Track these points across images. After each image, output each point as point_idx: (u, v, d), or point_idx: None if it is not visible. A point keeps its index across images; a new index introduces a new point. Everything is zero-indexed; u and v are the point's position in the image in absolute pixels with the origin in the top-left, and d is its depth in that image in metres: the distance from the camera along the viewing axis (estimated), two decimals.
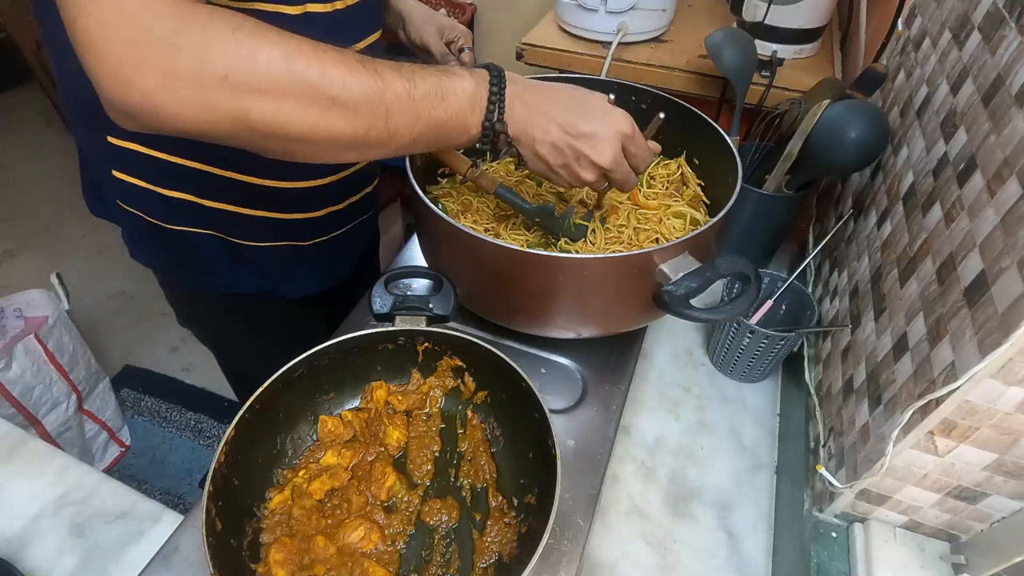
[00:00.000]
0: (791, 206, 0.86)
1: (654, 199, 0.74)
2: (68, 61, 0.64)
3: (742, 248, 0.90)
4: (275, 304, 0.85)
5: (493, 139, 0.53)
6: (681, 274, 0.57)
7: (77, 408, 1.47)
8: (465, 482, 0.61)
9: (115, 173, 0.68)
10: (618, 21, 1.08)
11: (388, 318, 0.64)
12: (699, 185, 0.77)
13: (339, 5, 0.63)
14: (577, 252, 0.66)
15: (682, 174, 0.77)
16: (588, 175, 0.56)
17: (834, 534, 0.58)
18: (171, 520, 0.69)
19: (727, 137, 0.70)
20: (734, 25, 1.07)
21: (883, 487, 0.52)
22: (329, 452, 0.61)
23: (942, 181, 0.54)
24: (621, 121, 0.56)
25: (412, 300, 0.64)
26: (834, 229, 0.79)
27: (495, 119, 0.52)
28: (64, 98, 0.68)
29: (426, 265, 0.76)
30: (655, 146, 0.62)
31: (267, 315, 0.88)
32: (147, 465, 1.63)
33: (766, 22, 1.01)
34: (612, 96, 0.59)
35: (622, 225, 0.70)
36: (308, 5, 0.60)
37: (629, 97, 0.77)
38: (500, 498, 0.59)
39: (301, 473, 0.59)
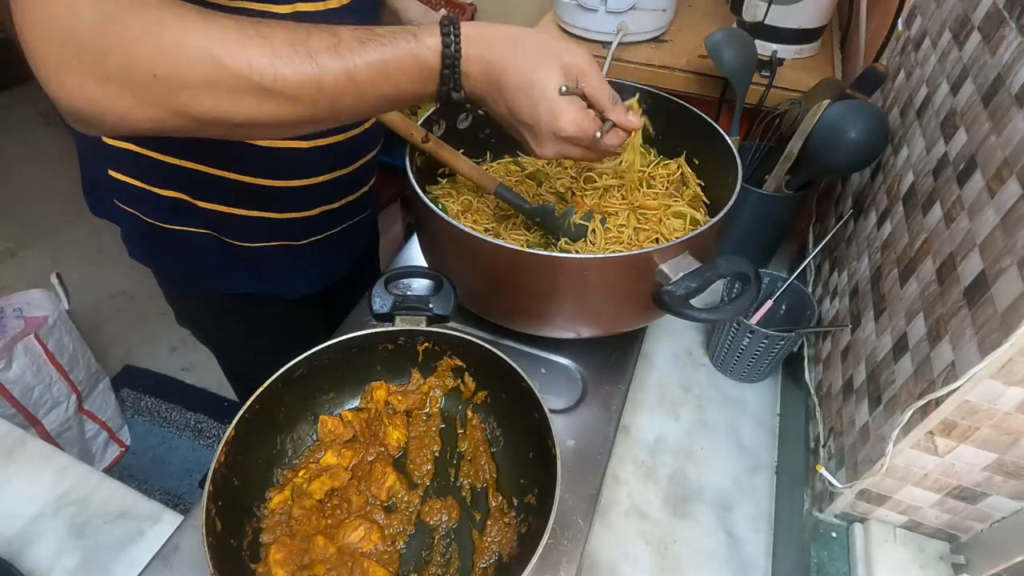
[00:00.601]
0: (791, 206, 0.86)
1: (654, 199, 0.74)
2: None
3: (742, 248, 0.90)
4: (273, 304, 0.85)
5: (456, 101, 0.50)
6: (681, 274, 0.57)
7: (77, 408, 1.47)
8: (465, 482, 0.61)
9: (111, 173, 0.69)
10: (618, 21, 1.08)
11: (388, 318, 0.64)
12: (699, 185, 0.77)
13: (332, 4, 0.62)
14: (577, 252, 0.66)
15: (682, 174, 0.77)
16: (547, 153, 0.54)
17: (834, 534, 0.58)
18: (171, 520, 0.69)
19: (727, 137, 0.70)
20: (734, 25, 1.07)
21: (883, 487, 0.52)
22: (329, 452, 0.61)
23: (942, 181, 0.54)
24: (559, 116, 0.51)
25: (412, 300, 0.64)
26: (834, 229, 0.79)
27: (451, 86, 0.49)
28: None
29: (426, 265, 0.76)
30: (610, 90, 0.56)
31: (265, 315, 0.88)
32: (147, 465, 1.63)
33: (766, 22, 1.01)
34: (603, 70, 0.56)
35: (622, 225, 0.70)
36: (298, 4, 0.59)
37: (630, 97, 0.77)
38: (500, 498, 0.59)
39: (301, 473, 0.59)
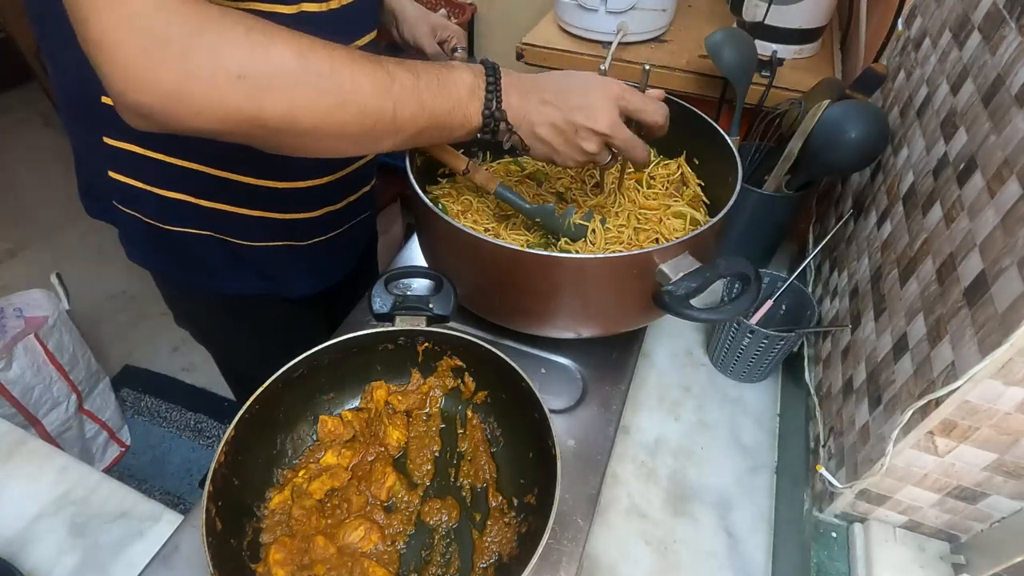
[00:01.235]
0: (791, 206, 0.86)
1: (654, 199, 0.74)
2: (62, 62, 0.64)
3: (742, 248, 0.90)
4: (273, 304, 0.85)
5: (494, 127, 0.55)
6: (681, 274, 0.57)
7: (77, 408, 1.47)
8: (465, 482, 0.61)
9: (111, 174, 0.68)
10: (618, 21, 1.08)
11: (388, 318, 0.64)
12: (699, 185, 0.77)
13: (334, 4, 0.63)
14: (577, 252, 0.66)
15: (682, 174, 0.77)
16: (590, 145, 0.57)
17: (834, 534, 0.58)
18: (171, 520, 0.69)
19: (727, 137, 0.70)
20: (734, 25, 1.07)
21: (883, 487, 0.52)
22: (329, 452, 0.61)
23: (942, 181, 0.54)
24: (610, 85, 0.57)
25: (412, 300, 0.64)
26: (834, 229, 0.79)
27: (494, 107, 0.54)
28: (59, 99, 0.68)
29: (426, 265, 0.76)
30: (658, 92, 0.62)
31: (265, 315, 0.87)
32: (147, 465, 1.63)
33: (766, 22, 1.01)
34: (603, 67, 0.59)
35: (622, 225, 0.70)
36: (303, 4, 0.60)
37: None
38: (500, 498, 0.59)
39: (301, 473, 0.59)
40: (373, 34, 0.72)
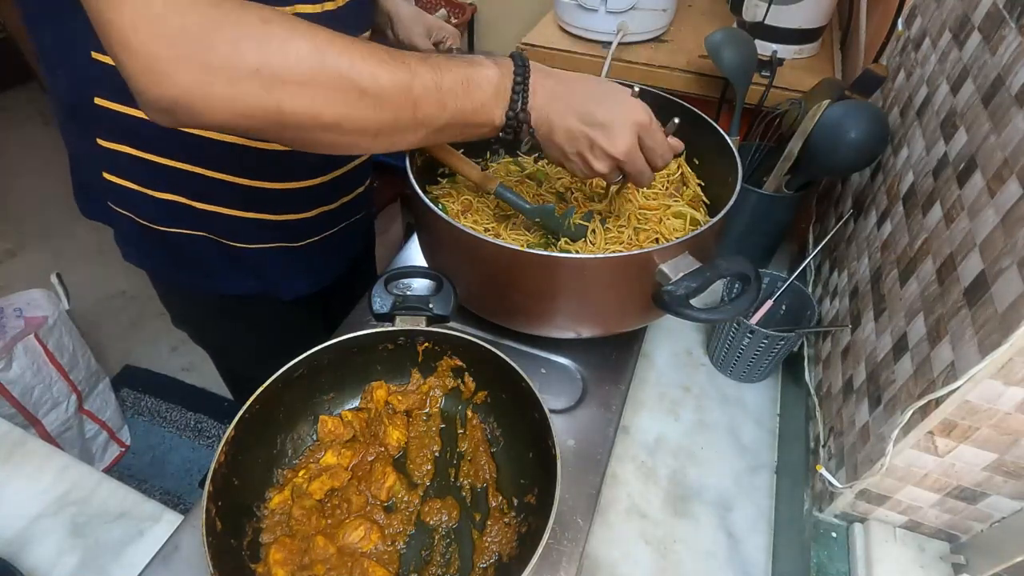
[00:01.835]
0: (791, 206, 0.86)
1: (654, 199, 0.74)
2: (56, 65, 0.64)
3: (742, 248, 0.90)
4: (270, 305, 0.85)
5: (516, 128, 0.54)
6: (681, 274, 0.57)
7: (77, 408, 1.47)
8: (465, 482, 0.61)
9: (106, 175, 0.68)
10: (618, 21, 1.08)
11: (388, 318, 0.64)
12: (699, 185, 0.77)
13: (329, 6, 0.63)
14: (577, 252, 0.66)
15: (682, 174, 0.77)
16: (601, 165, 0.56)
17: (834, 534, 0.58)
18: (171, 520, 0.69)
19: (727, 137, 0.70)
20: (734, 25, 1.07)
21: (883, 487, 0.52)
22: (329, 452, 0.61)
23: (942, 181, 0.54)
24: (638, 111, 0.55)
25: (412, 300, 0.64)
26: (834, 229, 0.79)
27: (519, 108, 0.52)
28: (53, 101, 0.68)
29: (426, 265, 0.76)
30: (677, 143, 0.61)
31: (262, 316, 0.87)
32: (147, 465, 1.63)
33: (766, 22, 1.01)
34: (636, 89, 0.59)
35: (622, 225, 0.70)
36: (297, 5, 0.60)
37: None
38: (500, 498, 0.59)
39: (301, 473, 0.59)
40: (367, 35, 0.72)
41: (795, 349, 0.79)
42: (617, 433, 0.69)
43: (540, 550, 0.46)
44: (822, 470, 0.58)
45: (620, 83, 0.61)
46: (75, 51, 0.59)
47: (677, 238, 0.60)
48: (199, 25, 0.39)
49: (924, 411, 0.46)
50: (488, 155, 0.83)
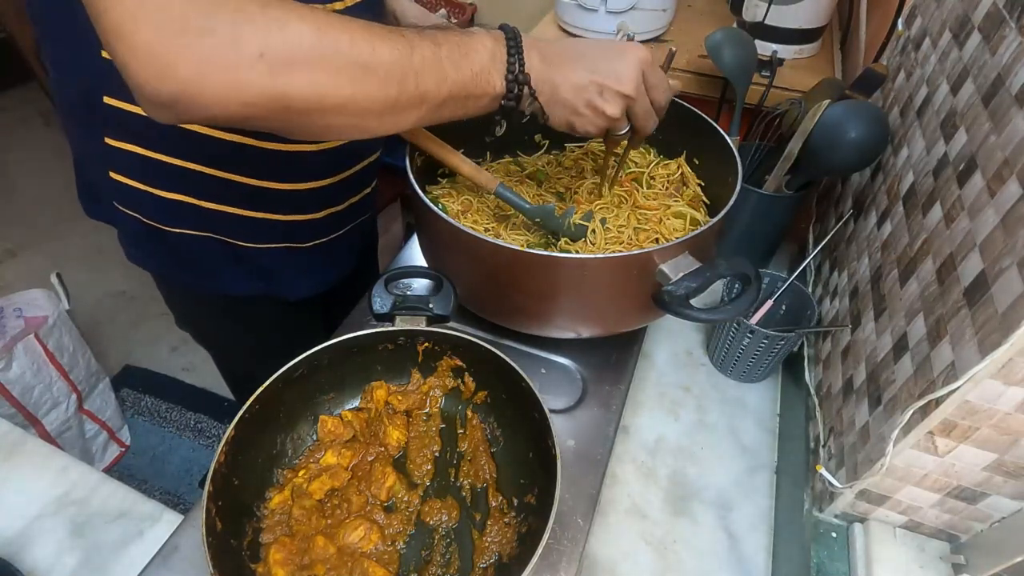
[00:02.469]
0: (791, 206, 0.86)
1: (654, 199, 0.74)
2: (63, 62, 0.64)
3: (742, 248, 0.90)
4: (273, 306, 0.85)
5: (518, 93, 0.53)
6: (681, 274, 0.57)
7: (77, 408, 1.47)
8: (465, 482, 0.61)
9: (112, 175, 0.68)
10: (618, 21, 1.08)
11: (388, 318, 0.64)
12: (699, 185, 0.77)
13: (338, 6, 0.63)
14: (577, 252, 0.66)
15: (682, 174, 0.77)
16: (612, 108, 0.56)
17: (834, 534, 0.58)
18: (171, 520, 0.69)
19: (727, 137, 0.70)
20: (734, 25, 1.07)
21: (883, 487, 0.52)
22: (329, 452, 0.61)
23: (942, 181, 0.54)
24: (637, 47, 0.56)
25: (412, 300, 0.64)
26: (834, 229, 0.79)
27: (517, 70, 0.52)
28: (58, 100, 0.68)
29: (426, 265, 0.76)
30: (674, 83, 0.62)
31: (265, 317, 0.87)
32: (147, 465, 1.63)
33: (766, 22, 1.01)
34: (627, 36, 0.58)
35: (622, 225, 0.70)
36: (312, 5, 0.60)
37: None
38: (500, 498, 0.59)
39: (301, 473, 0.59)
40: None
41: (795, 349, 0.79)
42: (617, 433, 0.69)
43: (540, 550, 0.46)
44: (822, 470, 0.58)
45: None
46: (84, 49, 0.59)
47: (677, 238, 0.60)
48: (196, 12, 0.39)
49: (924, 411, 0.46)
50: (488, 155, 0.83)
